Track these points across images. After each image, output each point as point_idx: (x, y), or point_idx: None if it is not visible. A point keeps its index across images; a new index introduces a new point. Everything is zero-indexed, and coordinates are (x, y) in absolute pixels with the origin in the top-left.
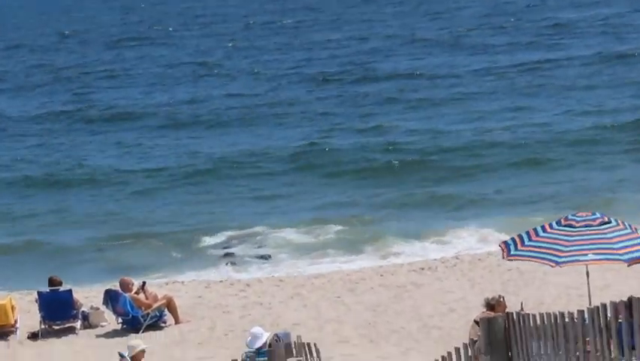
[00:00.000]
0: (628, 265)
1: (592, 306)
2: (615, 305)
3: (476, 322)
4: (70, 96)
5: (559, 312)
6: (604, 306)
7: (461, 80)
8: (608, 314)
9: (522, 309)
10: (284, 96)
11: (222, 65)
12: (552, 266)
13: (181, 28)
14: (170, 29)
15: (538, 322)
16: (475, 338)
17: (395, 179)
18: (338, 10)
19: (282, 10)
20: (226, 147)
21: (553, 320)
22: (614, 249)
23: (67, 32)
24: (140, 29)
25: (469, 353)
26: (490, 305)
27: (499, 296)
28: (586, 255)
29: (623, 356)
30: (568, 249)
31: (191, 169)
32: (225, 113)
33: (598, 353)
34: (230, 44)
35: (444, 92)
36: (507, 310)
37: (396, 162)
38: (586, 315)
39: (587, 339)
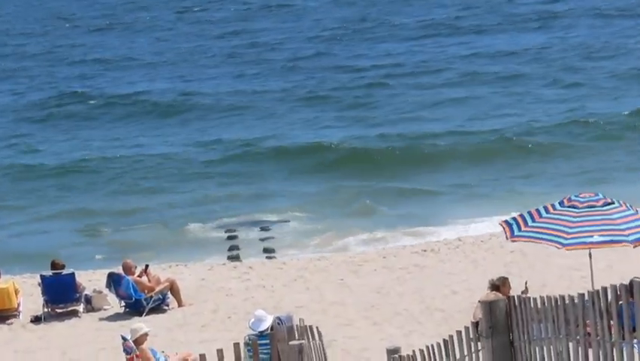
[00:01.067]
0: (634, 247)
1: (594, 288)
2: (616, 288)
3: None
4: (60, 84)
5: (559, 295)
6: (604, 289)
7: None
8: (609, 297)
9: (526, 289)
10: (272, 84)
11: (213, 51)
12: (558, 248)
13: (171, 11)
14: (156, 14)
15: (539, 305)
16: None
17: (394, 167)
18: None
19: None
20: (220, 135)
21: (553, 303)
22: (619, 230)
23: (67, 16)
24: (130, 14)
25: (471, 336)
26: (495, 286)
27: (504, 277)
28: (591, 236)
29: (623, 338)
30: (573, 230)
31: (193, 156)
32: (214, 101)
33: (598, 337)
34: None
35: (437, 79)
36: (511, 291)
37: (394, 149)
38: (586, 298)
39: (588, 322)
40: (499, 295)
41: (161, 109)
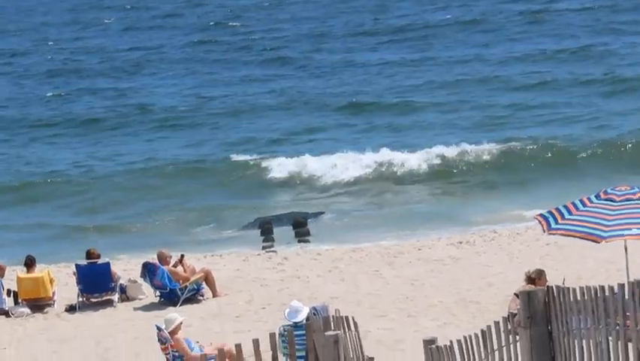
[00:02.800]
0: None
1: (629, 280)
2: None
3: (517, 295)
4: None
5: (599, 286)
6: None
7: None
8: None
9: (563, 284)
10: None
11: (239, 53)
12: (598, 242)
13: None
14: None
15: (578, 296)
16: (515, 311)
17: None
18: None
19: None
20: (255, 132)
21: (593, 294)
22: None
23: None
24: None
25: (509, 327)
26: (531, 279)
27: (540, 270)
28: (630, 229)
29: None
30: (611, 223)
31: (219, 157)
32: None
33: (638, 327)
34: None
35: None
36: (547, 284)
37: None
38: (626, 289)
39: (628, 313)
40: (534, 287)
41: (185, 116)
